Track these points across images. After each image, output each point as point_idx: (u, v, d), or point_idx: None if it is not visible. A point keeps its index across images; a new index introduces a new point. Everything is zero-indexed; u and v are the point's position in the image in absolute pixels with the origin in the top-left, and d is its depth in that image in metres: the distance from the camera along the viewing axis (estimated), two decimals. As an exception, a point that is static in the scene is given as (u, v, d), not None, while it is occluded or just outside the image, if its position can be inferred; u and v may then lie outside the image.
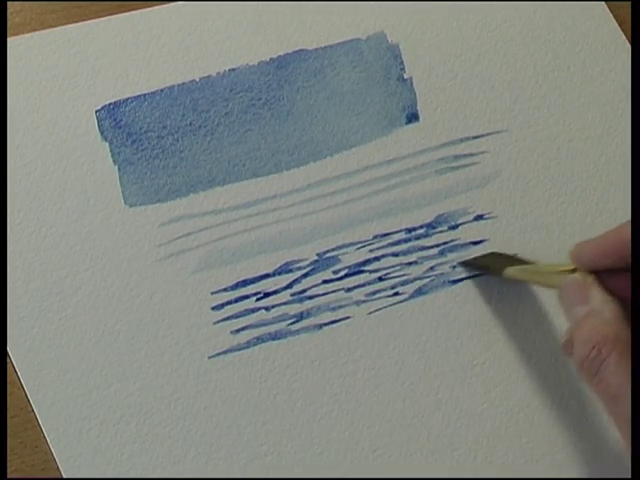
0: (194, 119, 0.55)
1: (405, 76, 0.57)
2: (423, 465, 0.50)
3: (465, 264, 0.53)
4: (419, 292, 0.53)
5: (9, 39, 0.55)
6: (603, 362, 0.40)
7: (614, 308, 0.42)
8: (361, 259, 0.53)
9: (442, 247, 0.54)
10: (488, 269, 0.52)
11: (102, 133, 0.54)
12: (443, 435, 0.51)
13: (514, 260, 0.52)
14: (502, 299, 0.53)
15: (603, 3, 0.61)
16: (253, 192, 0.54)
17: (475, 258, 0.53)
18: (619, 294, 0.42)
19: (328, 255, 0.53)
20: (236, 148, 0.55)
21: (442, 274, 0.54)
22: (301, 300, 0.52)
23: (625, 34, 0.60)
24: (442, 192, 0.55)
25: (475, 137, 0.57)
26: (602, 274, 0.43)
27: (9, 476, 0.47)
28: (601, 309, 0.42)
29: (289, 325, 0.52)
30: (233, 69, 0.56)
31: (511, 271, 0.50)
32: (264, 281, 0.52)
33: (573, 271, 0.44)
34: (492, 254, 0.53)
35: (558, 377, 0.52)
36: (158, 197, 0.53)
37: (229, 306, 0.52)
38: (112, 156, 0.53)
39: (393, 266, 0.54)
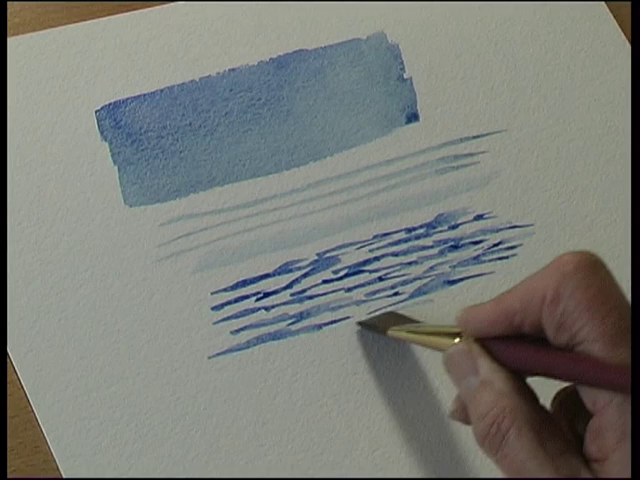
0: (194, 119, 0.55)
1: (405, 76, 0.57)
2: (423, 465, 0.50)
3: (361, 324, 0.52)
4: (419, 292, 0.53)
5: (9, 39, 0.55)
6: (503, 438, 0.39)
7: (506, 378, 0.40)
8: (361, 259, 0.53)
9: (442, 247, 0.54)
10: (375, 328, 0.51)
11: (102, 133, 0.54)
12: (443, 435, 0.51)
13: (406, 320, 0.50)
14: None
15: (603, 3, 0.61)
16: (253, 192, 0.54)
17: (370, 318, 0.52)
18: (508, 364, 0.40)
19: (328, 255, 0.53)
20: (236, 148, 0.55)
21: (442, 274, 0.54)
22: (301, 300, 0.52)
23: (625, 34, 0.60)
24: (442, 192, 0.55)
25: (475, 137, 0.57)
26: (490, 342, 0.41)
27: (9, 476, 0.47)
28: (492, 380, 0.40)
29: (289, 325, 0.52)
30: (233, 69, 0.56)
31: (394, 331, 0.48)
32: (264, 281, 0.52)
33: (459, 335, 0.42)
34: (389, 313, 0.52)
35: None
36: (158, 197, 0.53)
37: (229, 306, 0.52)
38: (112, 156, 0.53)
39: (393, 266, 0.54)
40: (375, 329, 0.51)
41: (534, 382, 0.41)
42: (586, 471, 0.38)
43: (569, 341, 0.39)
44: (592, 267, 0.39)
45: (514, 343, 0.41)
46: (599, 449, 0.38)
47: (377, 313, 0.52)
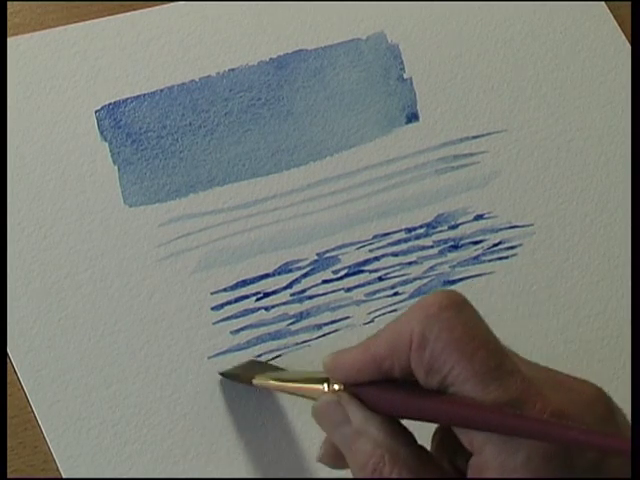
0: (194, 119, 0.55)
1: (405, 76, 0.57)
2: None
3: (223, 374, 0.50)
4: (419, 292, 0.53)
5: (9, 39, 0.55)
6: None
7: (379, 424, 0.39)
8: (361, 259, 0.53)
9: (442, 247, 0.54)
10: (238, 377, 0.49)
11: (102, 133, 0.54)
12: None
13: (268, 367, 0.50)
14: (502, 299, 0.53)
15: (603, 3, 0.61)
16: (253, 192, 0.54)
17: (232, 368, 0.50)
18: (381, 409, 0.40)
19: (328, 255, 0.53)
20: (236, 148, 0.55)
21: (442, 274, 0.54)
22: (301, 300, 0.52)
23: (625, 34, 0.60)
24: (442, 192, 0.55)
25: (475, 137, 0.57)
26: (359, 388, 0.40)
27: (9, 476, 0.47)
28: (366, 428, 0.39)
29: (289, 325, 0.52)
30: (233, 69, 0.56)
31: (260, 379, 0.47)
32: (264, 281, 0.52)
33: (326, 380, 0.41)
34: (251, 362, 0.50)
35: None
36: (158, 197, 0.53)
37: (229, 306, 0.52)
38: (112, 156, 0.53)
39: (393, 266, 0.54)
40: (238, 379, 0.49)
41: (410, 423, 0.40)
42: None
43: (440, 383, 0.38)
44: (456, 307, 0.38)
45: (385, 388, 0.40)
46: None
47: (239, 363, 0.50)
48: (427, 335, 0.38)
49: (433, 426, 0.41)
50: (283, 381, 0.46)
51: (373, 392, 0.40)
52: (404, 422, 0.40)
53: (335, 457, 0.41)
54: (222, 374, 0.50)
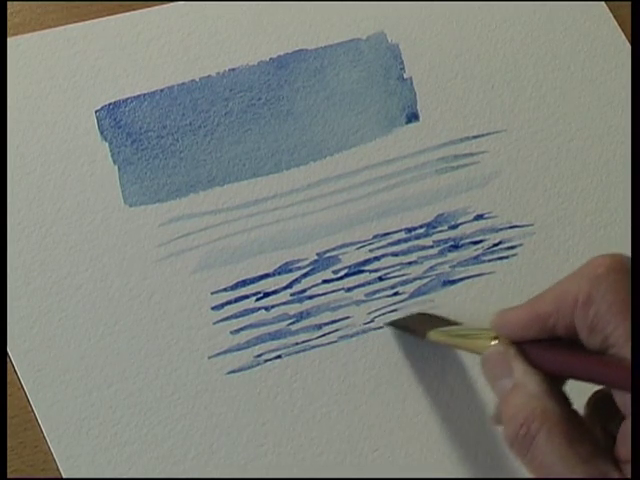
0: (194, 119, 0.55)
1: (405, 76, 0.57)
2: (423, 465, 0.50)
3: (392, 324, 0.52)
4: (419, 292, 0.53)
5: (9, 39, 0.55)
6: (533, 440, 0.39)
7: (539, 381, 0.40)
8: (361, 259, 0.53)
9: (442, 247, 0.54)
10: (413, 331, 0.51)
11: (102, 133, 0.54)
12: (443, 435, 0.51)
13: (440, 321, 0.51)
14: (502, 299, 0.53)
15: (603, 3, 0.61)
16: (253, 192, 0.54)
17: (402, 318, 0.52)
18: (542, 366, 0.41)
19: (328, 255, 0.53)
20: (236, 148, 0.55)
21: (442, 274, 0.54)
22: (301, 300, 0.52)
23: (625, 34, 0.60)
24: (442, 192, 0.55)
25: (475, 137, 0.57)
26: (525, 345, 0.41)
27: (9, 476, 0.47)
28: (525, 382, 0.40)
29: (289, 325, 0.52)
30: (233, 69, 0.56)
31: (433, 335, 0.49)
32: (264, 281, 0.52)
33: (495, 338, 0.43)
34: (420, 314, 0.52)
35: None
36: (158, 197, 0.53)
37: (229, 306, 0.52)
38: (112, 156, 0.53)
39: (393, 266, 0.54)
40: (409, 331, 0.51)
41: (569, 386, 0.41)
42: (616, 473, 0.38)
43: (602, 344, 0.39)
44: (624, 270, 0.39)
45: (548, 346, 0.41)
46: (629, 451, 0.38)
47: (407, 314, 0.52)
48: (593, 294, 0.39)
49: (589, 392, 0.42)
50: (453, 336, 0.47)
51: (536, 349, 0.41)
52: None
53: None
54: (391, 324, 0.51)
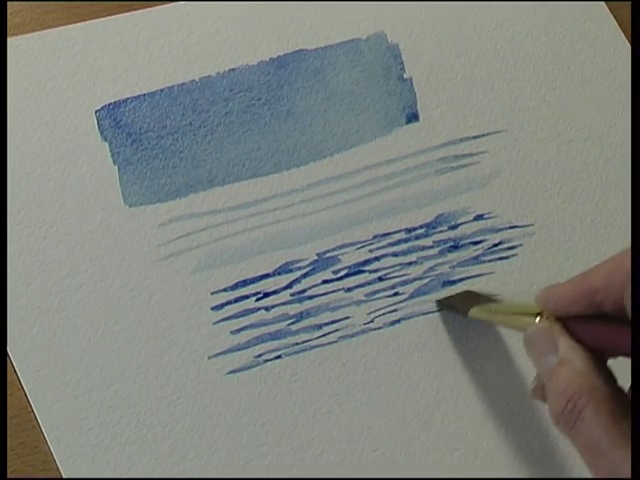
0: (194, 119, 0.55)
1: (405, 76, 0.57)
2: (423, 465, 0.50)
3: (439, 303, 0.53)
4: (419, 292, 0.53)
5: (9, 39, 0.55)
6: (579, 415, 0.39)
7: (585, 357, 0.40)
8: (361, 259, 0.53)
9: (442, 247, 0.54)
10: (456, 309, 0.52)
11: (102, 133, 0.54)
12: (443, 435, 0.51)
13: (484, 299, 0.51)
14: (503, 299, 0.53)
15: (603, 3, 0.61)
16: (253, 192, 0.54)
17: (448, 297, 0.52)
18: (587, 343, 0.41)
19: (328, 255, 0.53)
20: (236, 148, 0.55)
21: (442, 274, 0.54)
22: (301, 300, 0.52)
23: (625, 34, 0.60)
24: (442, 192, 0.55)
25: (475, 137, 0.57)
26: (569, 321, 0.42)
27: (9, 476, 0.47)
28: (571, 358, 0.40)
29: (289, 325, 0.52)
30: (233, 69, 0.56)
31: (475, 311, 0.49)
32: (264, 281, 0.52)
33: (539, 314, 0.43)
34: (465, 292, 0.53)
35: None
36: (158, 197, 0.53)
37: (229, 306, 0.52)
38: (112, 156, 0.53)
39: (393, 266, 0.54)
40: (455, 310, 0.52)
41: (614, 364, 0.41)
42: None
43: None
44: None
45: (594, 322, 0.41)
46: None
47: (454, 292, 0.53)
48: None
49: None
50: (495, 313, 0.48)
51: (582, 325, 0.41)
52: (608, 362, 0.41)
53: (544, 392, 0.42)
54: (438, 302, 0.52)
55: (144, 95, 0.55)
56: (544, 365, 0.42)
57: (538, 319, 0.42)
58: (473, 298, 0.52)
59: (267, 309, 0.52)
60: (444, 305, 0.52)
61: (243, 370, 0.51)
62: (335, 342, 0.52)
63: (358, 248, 0.54)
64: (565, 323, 0.42)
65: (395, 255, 0.54)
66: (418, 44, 0.58)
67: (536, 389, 0.43)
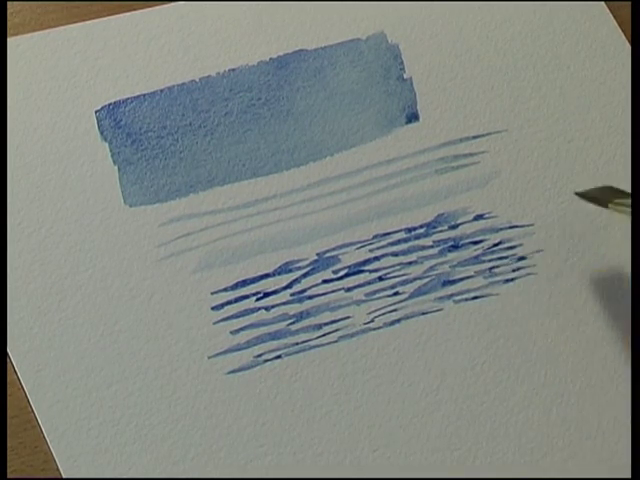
0: (194, 119, 0.55)
1: (405, 76, 0.58)
2: (423, 465, 0.50)
3: (579, 194, 0.55)
4: (419, 292, 0.53)
5: (9, 39, 0.55)
6: None
7: None
8: (361, 259, 0.53)
9: (442, 247, 0.54)
10: (597, 201, 0.54)
11: (102, 133, 0.54)
12: (443, 435, 0.51)
13: (623, 195, 0.53)
14: (503, 298, 0.53)
15: (603, 3, 0.61)
16: (253, 192, 0.54)
17: (589, 190, 0.55)
18: None
19: (328, 255, 0.53)
20: (236, 148, 0.55)
21: (442, 274, 0.54)
22: (301, 300, 0.52)
23: (625, 34, 0.60)
24: (442, 192, 0.55)
25: (475, 137, 0.57)
26: None
27: (9, 476, 0.47)
28: None
29: (289, 325, 0.52)
30: (233, 69, 0.56)
31: (614, 205, 0.52)
32: (264, 281, 0.52)
33: None
34: (606, 187, 0.54)
35: (557, 378, 0.52)
36: (158, 197, 0.53)
37: (229, 306, 0.52)
38: (112, 156, 0.53)
39: (393, 266, 0.54)
40: (596, 201, 0.54)
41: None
42: None
43: None
44: None
45: None
46: None
47: (596, 186, 0.54)
48: None
49: None
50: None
51: None
52: None
53: None
54: (579, 194, 0.54)
55: (144, 95, 0.55)
56: None
57: None
58: (614, 193, 0.53)
59: (267, 309, 0.52)
60: (585, 196, 0.54)
61: (243, 370, 0.51)
62: (335, 342, 0.52)
63: (358, 248, 0.54)
64: None
65: (395, 255, 0.54)
66: (418, 44, 0.58)
67: None
